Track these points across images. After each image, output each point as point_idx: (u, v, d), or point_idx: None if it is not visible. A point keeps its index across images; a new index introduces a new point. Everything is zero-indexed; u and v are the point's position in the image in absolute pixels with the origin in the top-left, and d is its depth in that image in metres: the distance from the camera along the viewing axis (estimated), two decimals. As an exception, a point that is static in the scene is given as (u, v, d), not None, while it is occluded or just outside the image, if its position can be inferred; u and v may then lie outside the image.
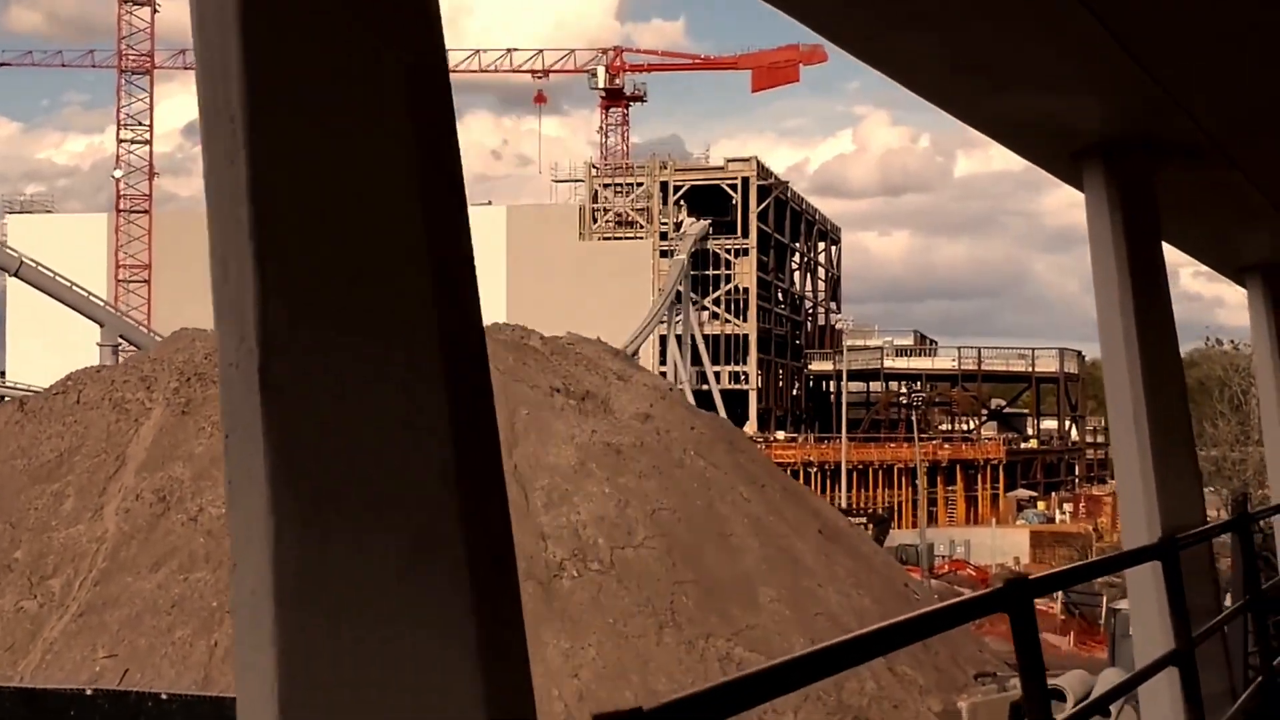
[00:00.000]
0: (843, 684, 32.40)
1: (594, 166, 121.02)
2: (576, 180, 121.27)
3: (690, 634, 32.35)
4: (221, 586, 30.68)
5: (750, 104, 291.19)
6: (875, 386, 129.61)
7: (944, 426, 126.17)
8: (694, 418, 38.67)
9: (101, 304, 79.23)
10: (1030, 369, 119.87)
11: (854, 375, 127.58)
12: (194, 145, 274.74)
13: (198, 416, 33.50)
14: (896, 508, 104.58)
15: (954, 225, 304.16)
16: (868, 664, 31.44)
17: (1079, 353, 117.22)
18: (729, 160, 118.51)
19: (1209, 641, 6.24)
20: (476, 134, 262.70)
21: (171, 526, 31.40)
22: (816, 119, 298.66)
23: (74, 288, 78.08)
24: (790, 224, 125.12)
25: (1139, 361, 6.58)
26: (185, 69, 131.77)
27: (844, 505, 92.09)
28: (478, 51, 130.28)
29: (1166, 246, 7.57)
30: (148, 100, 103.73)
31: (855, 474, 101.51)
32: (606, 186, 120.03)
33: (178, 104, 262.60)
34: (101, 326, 75.66)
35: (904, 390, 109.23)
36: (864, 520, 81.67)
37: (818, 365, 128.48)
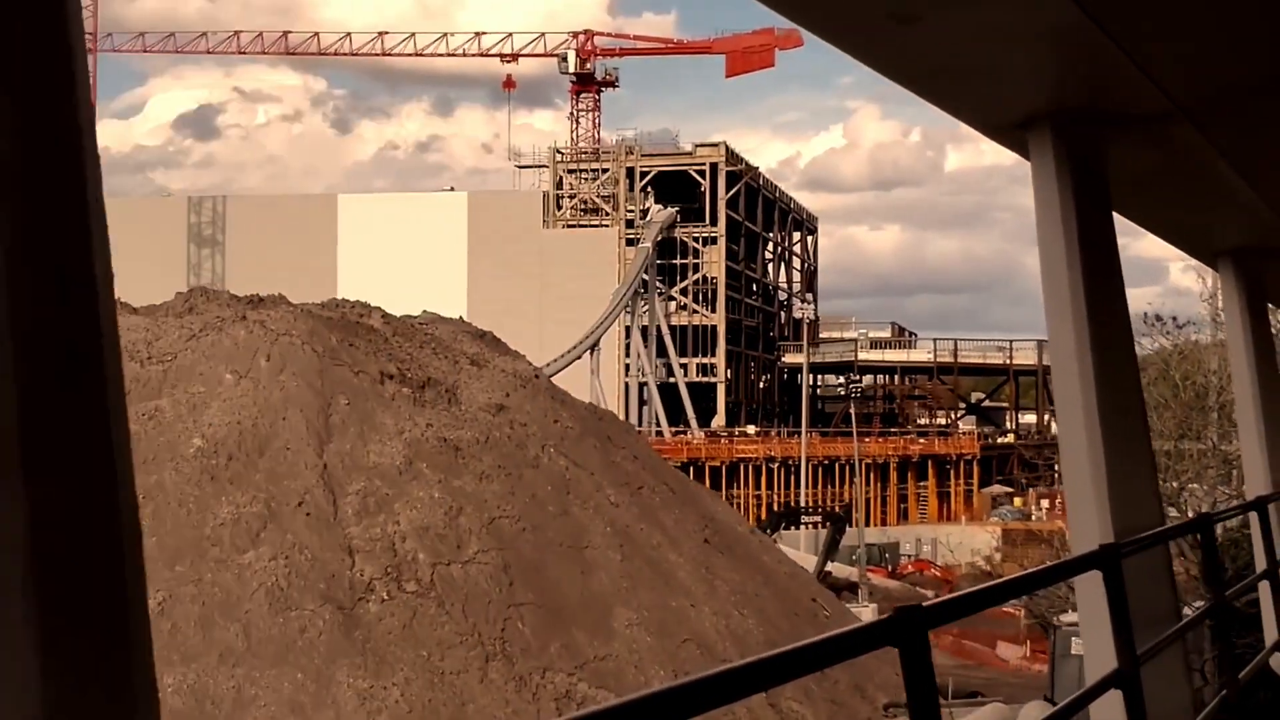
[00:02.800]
0: (710, 726, 26.37)
1: (559, 151, 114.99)
2: (540, 165, 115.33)
3: (524, 668, 26.49)
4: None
5: (745, 98, 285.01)
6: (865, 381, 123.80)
7: (922, 420, 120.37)
8: (560, 409, 32.77)
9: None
10: (1008, 361, 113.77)
11: (827, 368, 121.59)
12: (185, 139, 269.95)
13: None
14: (865, 505, 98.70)
15: (945, 220, 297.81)
16: (744, 700, 25.43)
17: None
18: (697, 145, 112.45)
19: (1161, 657, 5.66)
20: (469, 128, 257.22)
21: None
22: (810, 113, 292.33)
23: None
24: (763, 212, 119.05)
25: (1089, 349, 6.10)
26: (146, 52, 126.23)
27: (804, 502, 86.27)
28: (445, 35, 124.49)
29: (1142, 233, 8.71)
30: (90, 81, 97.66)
31: (821, 470, 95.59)
32: (571, 172, 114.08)
33: (171, 98, 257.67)
34: None
35: (842, 382, 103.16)
36: (819, 518, 75.89)
37: (791, 358, 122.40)
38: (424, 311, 36.13)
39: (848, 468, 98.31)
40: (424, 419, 29.77)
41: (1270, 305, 12.04)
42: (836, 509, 78.06)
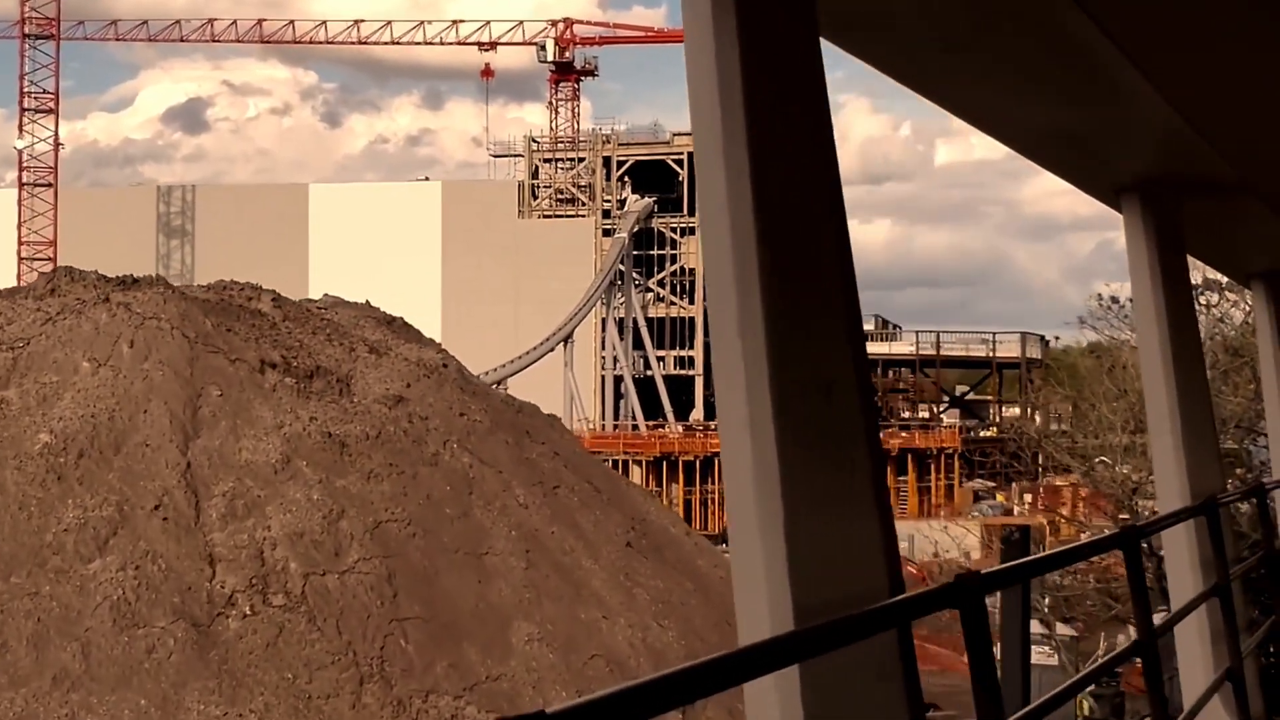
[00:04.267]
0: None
1: (534, 140, 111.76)
2: (516, 155, 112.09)
3: (404, 690, 23.36)
4: None
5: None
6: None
7: (905, 414, 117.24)
8: (470, 401, 29.58)
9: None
10: (991, 354, 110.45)
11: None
12: (174, 132, 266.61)
13: None
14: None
15: (935, 214, 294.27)
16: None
17: (1041, 337, 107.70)
18: (675, 134, 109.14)
19: None
20: (460, 121, 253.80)
21: None
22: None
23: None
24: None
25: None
26: (119, 40, 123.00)
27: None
28: (422, 23, 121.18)
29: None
30: (53, 67, 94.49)
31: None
32: (548, 162, 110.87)
33: (160, 90, 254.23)
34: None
35: None
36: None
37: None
38: (325, 295, 32.93)
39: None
40: (308, 412, 26.60)
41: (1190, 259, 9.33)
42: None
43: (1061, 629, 32.23)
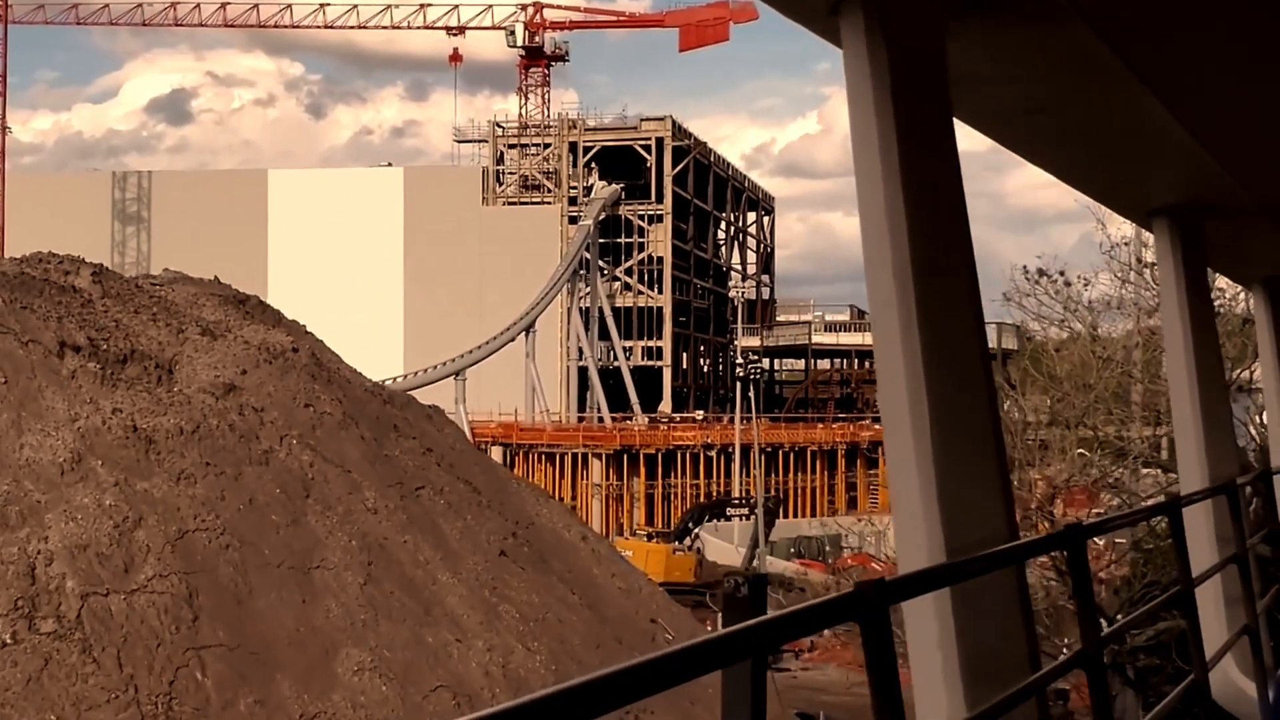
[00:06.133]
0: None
1: (499, 125, 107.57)
2: (480, 140, 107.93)
3: (194, 733, 19.29)
4: None
5: (722, 85, 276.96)
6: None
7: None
8: (319, 391, 25.49)
9: None
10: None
11: (781, 351, 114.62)
12: (158, 123, 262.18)
13: None
14: (809, 494, 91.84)
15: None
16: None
17: (1019, 326, 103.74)
18: (643, 119, 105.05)
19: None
20: (446, 112, 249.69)
21: None
22: (788, 100, 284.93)
23: None
24: (715, 190, 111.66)
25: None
26: (80, 24, 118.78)
27: (738, 493, 79.41)
28: (389, 7, 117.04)
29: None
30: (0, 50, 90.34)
31: (764, 458, 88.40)
32: (513, 148, 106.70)
33: (145, 81, 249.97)
34: None
35: (741, 362, 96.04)
36: (746, 510, 69.06)
37: (746, 341, 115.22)
38: (165, 270, 28.85)
39: (793, 455, 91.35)
40: (111, 402, 22.52)
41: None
42: (765, 500, 70.99)
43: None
